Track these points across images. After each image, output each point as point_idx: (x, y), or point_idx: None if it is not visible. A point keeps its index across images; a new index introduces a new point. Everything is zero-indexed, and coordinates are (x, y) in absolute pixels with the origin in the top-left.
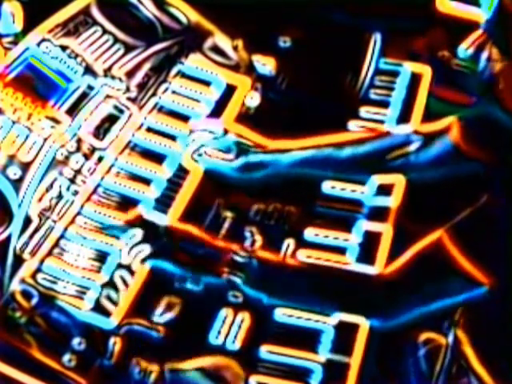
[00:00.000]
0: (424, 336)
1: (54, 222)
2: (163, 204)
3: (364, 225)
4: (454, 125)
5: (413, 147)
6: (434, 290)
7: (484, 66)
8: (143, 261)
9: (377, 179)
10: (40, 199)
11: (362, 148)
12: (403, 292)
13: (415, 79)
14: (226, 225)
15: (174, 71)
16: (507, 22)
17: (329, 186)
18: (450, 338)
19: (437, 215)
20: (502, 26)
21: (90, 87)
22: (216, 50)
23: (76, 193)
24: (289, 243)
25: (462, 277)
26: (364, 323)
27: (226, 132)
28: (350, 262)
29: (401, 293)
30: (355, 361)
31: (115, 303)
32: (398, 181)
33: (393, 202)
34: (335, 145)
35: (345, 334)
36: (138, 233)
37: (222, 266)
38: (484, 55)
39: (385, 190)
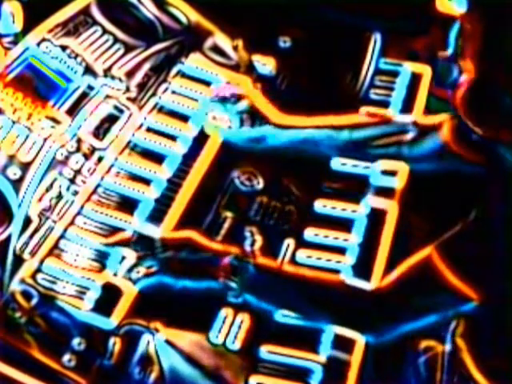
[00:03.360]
0: (424, 344)
1: (54, 222)
2: (162, 204)
3: (370, 200)
4: (446, 123)
5: (407, 137)
6: (424, 306)
7: (455, 77)
8: (138, 280)
9: (381, 164)
10: (40, 199)
11: (359, 133)
12: (394, 308)
13: (415, 79)
14: (226, 225)
15: (174, 71)
16: (465, 39)
17: (338, 163)
18: (448, 346)
19: (427, 227)
20: (462, 41)
21: (90, 87)
22: (216, 49)
23: (76, 193)
24: (289, 243)
25: (452, 293)
26: (360, 339)
27: (239, 99)
28: (350, 262)
29: (392, 308)
30: (355, 362)
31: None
32: (402, 168)
33: (397, 184)
34: (334, 127)
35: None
36: (129, 254)
37: (219, 270)
38: (456, 68)
39: (389, 173)
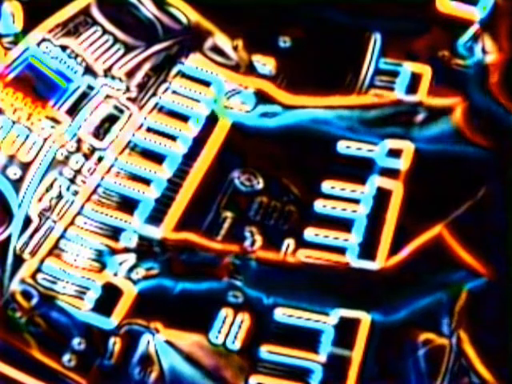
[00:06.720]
0: (423, 336)
1: (54, 222)
2: (162, 204)
3: (376, 180)
4: (459, 105)
5: (418, 118)
6: (434, 282)
7: (478, 58)
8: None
9: (387, 143)
10: (40, 199)
11: (370, 113)
12: (404, 285)
13: (415, 79)
14: (226, 225)
15: (174, 71)
16: (500, 18)
17: (343, 146)
18: (454, 339)
19: (436, 207)
20: (495, 21)
21: (90, 87)
22: (216, 49)
23: (76, 193)
24: (289, 243)
25: (462, 268)
26: (366, 317)
27: (246, 87)
28: (350, 262)
29: (402, 286)
30: (355, 359)
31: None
32: (407, 147)
33: (403, 165)
34: (347, 107)
35: (346, 332)
36: (130, 257)
37: (221, 270)
38: (479, 47)
39: (395, 153)
